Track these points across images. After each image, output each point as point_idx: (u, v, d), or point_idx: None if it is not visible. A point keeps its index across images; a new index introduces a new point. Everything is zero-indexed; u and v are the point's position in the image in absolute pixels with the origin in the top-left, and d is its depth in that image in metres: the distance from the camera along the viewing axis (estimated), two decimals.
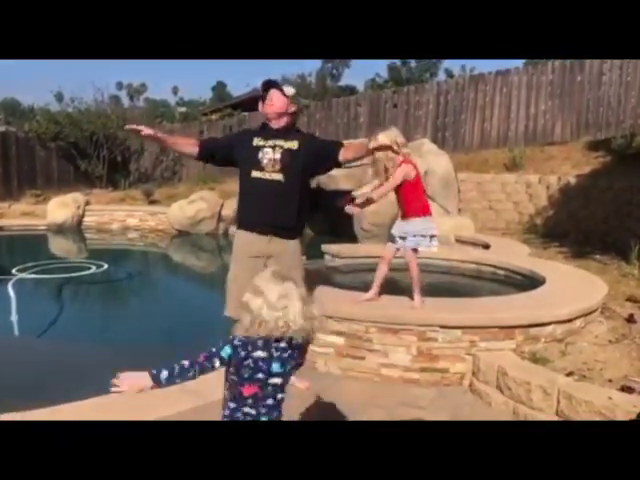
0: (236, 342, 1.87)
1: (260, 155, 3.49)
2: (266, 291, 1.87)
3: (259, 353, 1.89)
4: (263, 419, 1.94)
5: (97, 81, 28.18)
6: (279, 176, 3.45)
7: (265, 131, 3.58)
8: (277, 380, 1.93)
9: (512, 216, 9.49)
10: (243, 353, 1.88)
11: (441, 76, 25.05)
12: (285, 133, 3.53)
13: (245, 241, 3.55)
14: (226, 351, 1.86)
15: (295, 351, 1.97)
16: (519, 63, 26.59)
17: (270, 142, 3.51)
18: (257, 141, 3.53)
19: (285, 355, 1.93)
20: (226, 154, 3.67)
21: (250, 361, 1.89)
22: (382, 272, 4.03)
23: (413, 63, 25.95)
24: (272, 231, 3.47)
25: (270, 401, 1.94)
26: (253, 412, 1.93)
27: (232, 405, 1.95)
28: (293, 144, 3.49)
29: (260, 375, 1.91)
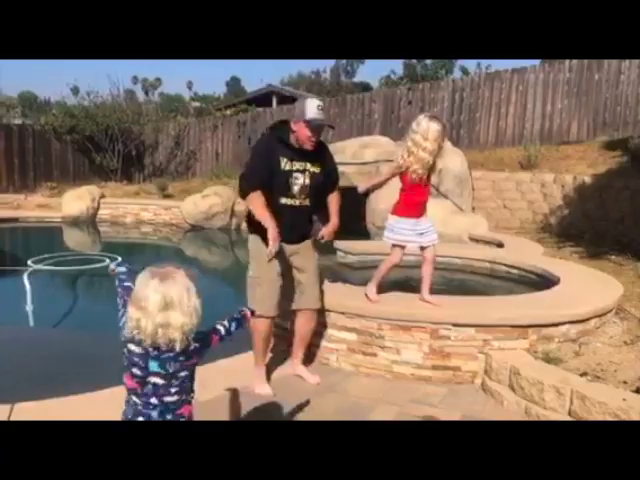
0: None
1: (291, 181, 3.41)
2: (144, 302, 1.74)
3: (133, 347, 1.81)
4: (153, 413, 1.84)
5: (113, 75, 28.21)
6: (307, 201, 3.49)
7: (292, 150, 3.42)
8: (157, 380, 1.82)
9: (526, 215, 9.42)
10: (122, 340, 1.82)
11: (456, 73, 24.93)
12: (311, 154, 3.44)
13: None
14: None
15: (179, 354, 1.81)
16: (536, 61, 26.25)
17: (298, 165, 3.42)
18: (284, 164, 3.40)
19: (164, 356, 1.80)
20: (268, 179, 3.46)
21: (125, 351, 1.82)
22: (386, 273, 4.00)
23: (428, 60, 25.82)
24: (296, 241, 3.56)
25: (154, 400, 1.83)
26: (139, 402, 1.84)
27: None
28: (318, 167, 3.48)
29: (136, 370, 1.82)
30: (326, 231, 3.58)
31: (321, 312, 3.84)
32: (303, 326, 3.74)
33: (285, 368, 3.87)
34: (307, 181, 3.44)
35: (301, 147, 3.40)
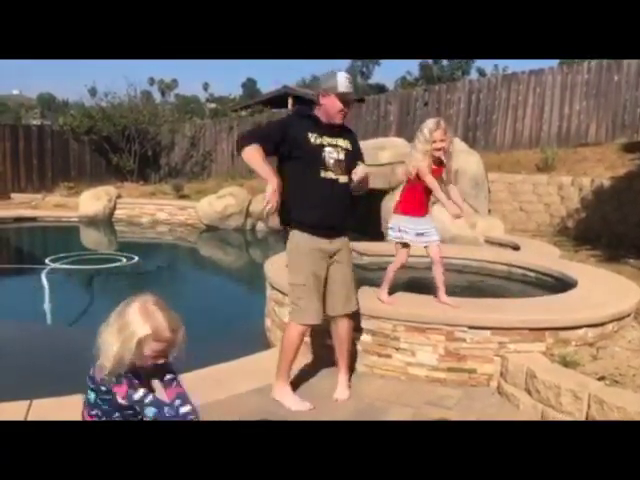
0: None
1: (324, 155, 3.33)
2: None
3: None
4: None
5: (130, 76, 28.49)
6: (345, 178, 3.37)
7: (318, 126, 3.38)
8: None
9: (543, 218, 9.34)
10: None
11: (473, 74, 24.78)
12: (340, 132, 3.43)
13: (310, 244, 3.35)
14: None
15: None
16: (554, 62, 26.08)
17: (329, 139, 3.37)
18: (314, 138, 3.34)
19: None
20: (277, 148, 3.36)
21: None
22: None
23: (445, 61, 25.71)
24: (336, 233, 3.42)
25: None
26: None
27: None
28: (348, 144, 3.44)
29: None
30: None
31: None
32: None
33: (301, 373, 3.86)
34: (341, 157, 3.37)
35: (330, 122, 3.37)
